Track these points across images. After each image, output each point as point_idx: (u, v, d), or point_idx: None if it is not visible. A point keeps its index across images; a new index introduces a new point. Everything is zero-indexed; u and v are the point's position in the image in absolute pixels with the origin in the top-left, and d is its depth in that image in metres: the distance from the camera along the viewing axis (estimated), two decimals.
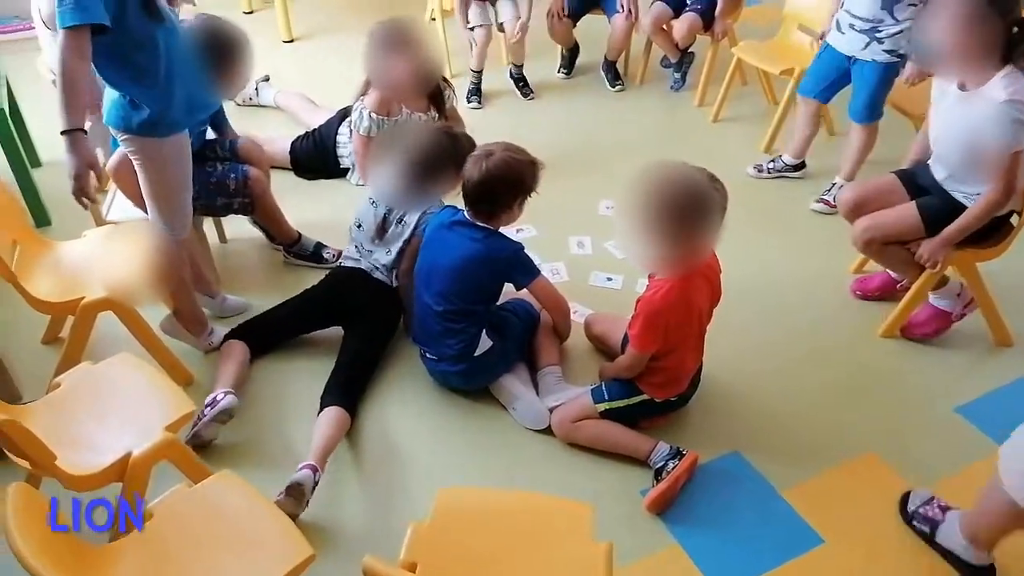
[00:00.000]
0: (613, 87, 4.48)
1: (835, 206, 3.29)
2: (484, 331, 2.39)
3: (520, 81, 4.41)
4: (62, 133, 2.00)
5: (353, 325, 2.57)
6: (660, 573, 1.99)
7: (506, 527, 1.67)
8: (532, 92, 4.39)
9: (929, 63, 2.68)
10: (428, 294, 2.39)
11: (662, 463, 2.17)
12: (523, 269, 2.41)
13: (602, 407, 2.27)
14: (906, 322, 2.71)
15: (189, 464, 1.90)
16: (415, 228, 2.58)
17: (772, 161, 3.64)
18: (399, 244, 2.61)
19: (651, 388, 2.26)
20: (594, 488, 2.19)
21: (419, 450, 2.34)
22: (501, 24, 4.23)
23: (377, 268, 2.63)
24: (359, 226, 2.67)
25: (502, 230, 2.41)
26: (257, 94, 4.10)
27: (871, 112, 3.19)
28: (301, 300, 2.65)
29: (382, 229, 2.63)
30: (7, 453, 1.86)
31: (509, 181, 2.32)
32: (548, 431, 2.35)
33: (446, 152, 2.52)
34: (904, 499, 2.12)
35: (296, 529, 1.62)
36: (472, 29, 4.16)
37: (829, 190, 3.40)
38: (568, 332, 2.61)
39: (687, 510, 2.14)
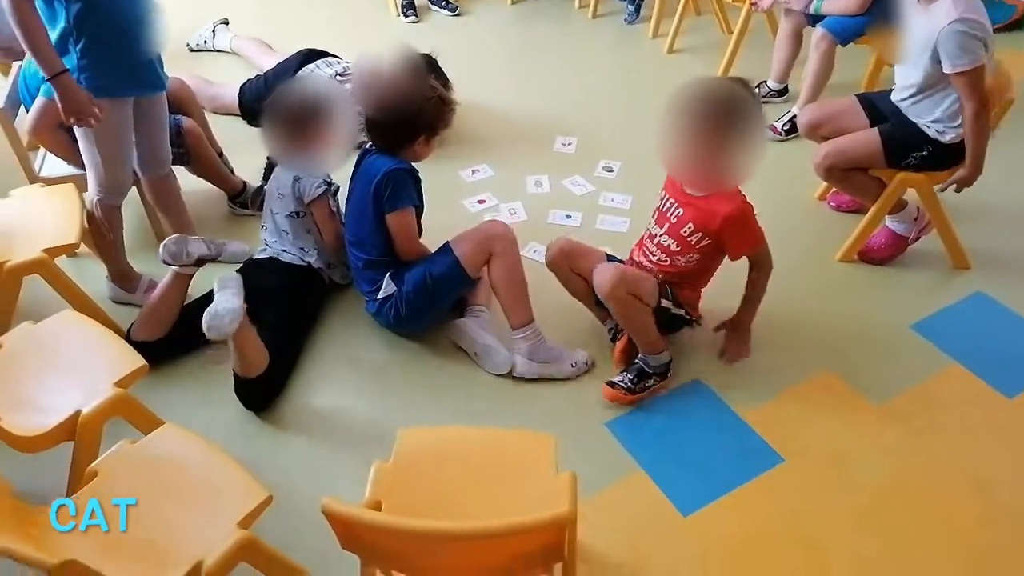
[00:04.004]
0: None
1: (780, 133, 3.31)
2: (389, 274, 2.30)
3: (440, 0, 4.43)
4: (49, 79, 1.99)
5: (266, 312, 2.27)
6: (626, 500, 2.01)
7: (470, 462, 1.66)
8: (456, 6, 4.42)
9: None
10: (347, 227, 2.40)
11: (650, 372, 2.22)
12: (394, 190, 2.20)
13: (664, 303, 2.21)
14: (863, 247, 2.73)
15: (142, 419, 1.85)
16: (297, 196, 2.39)
17: (757, 87, 3.57)
18: (283, 218, 2.43)
19: (694, 304, 2.28)
20: (558, 424, 2.18)
21: (376, 394, 2.32)
22: None
23: (284, 251, 2.46)
24: (263, 227, 2.55)
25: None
26: (213, 36, 3.93)
27: (842, 31, 3.13)
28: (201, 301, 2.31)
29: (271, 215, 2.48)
30: None
31: (407, 118, 2.19)
32: (508, 375, 2.32)
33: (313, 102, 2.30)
34: None
35: (249, 474, 1.60)
36: None
37: (780, 117, 3.37)
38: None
39: (650, 437, 2.16)
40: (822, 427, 2.18)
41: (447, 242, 2.31)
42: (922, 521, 1.96)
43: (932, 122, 2.48)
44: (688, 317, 2.29)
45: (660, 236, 2.24)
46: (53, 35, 2.02)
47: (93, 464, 1.64)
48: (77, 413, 1.74)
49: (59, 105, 2.05)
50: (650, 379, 2.23)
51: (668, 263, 2.24)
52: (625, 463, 2.09)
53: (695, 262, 2.21)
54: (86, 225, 2.34)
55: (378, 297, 2.31)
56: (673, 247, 2.21)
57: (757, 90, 3.57)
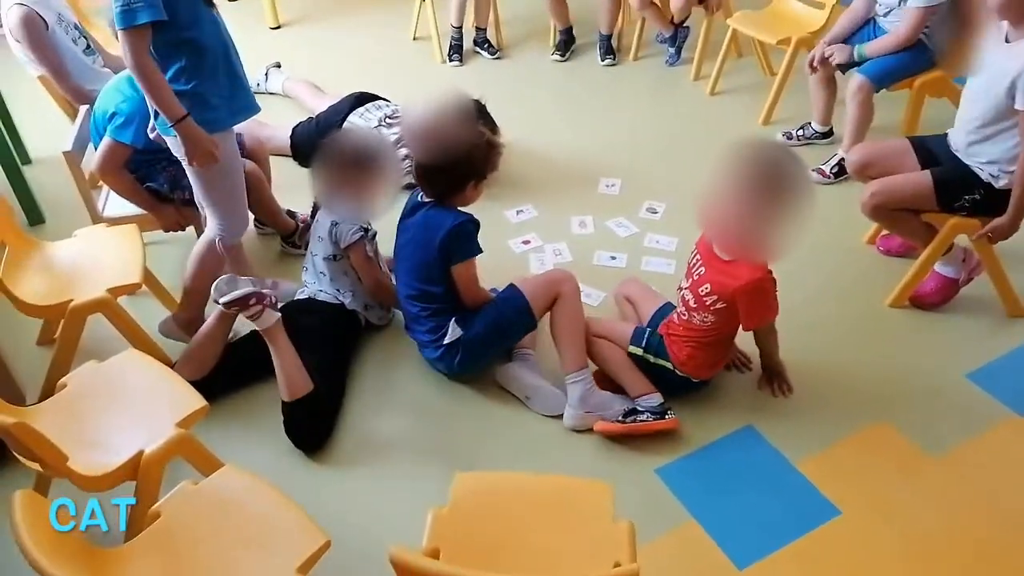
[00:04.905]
0: (603, 61, 4.44)
1: (829, 176, 3.31)
2: (454, 319, 2.31)
3: (484, 43, 4.50)
4: (172, 126, 2.09)
5: (306, 351, 2.28)
6: (678, 550, 1.99)
7: (527, 509, 1.66)
8: (497, 49, 4.50)
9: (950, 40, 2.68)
10: (399, 277, 2.41)
11: (642, 410, 2.23)
12: (462, 243, 2.23)
13: (632, 349, 2.29)
14: (914, 292, 2.70)
15: (203, 459, 1.88)
16: (334, 240, 2.45)
17: (801, 128, 3.59)
18: (321, 260, 2.51)
19: (686, 362, 2.25)
20: (607, 469, 2.18)
21: (424, 436, 2.33)
22: None
23: (322, 291, 2.52)
24: (304, 268, 2.62)
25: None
26: (267, 79, 4.04)
27: (880, 75, 3.13)
28: (247, 338, 2.43)
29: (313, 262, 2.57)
30: (17, 456, 1.84)
31: (456, 164, 2.21)
32: (561, 416, 2.31)
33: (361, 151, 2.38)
34: None
35: (308, 518, 1.61)
36: None
37: (827, 160, 3.37)
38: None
39: (702, 485, 2.13)
40: (878, 479, 2.15)
41: (511, 284, 2.35)
42: (982, 574, 1.91)
43: (987, 163, 2.45)
44: (674, 371, 2.27)
45: (684, 290, 2.26)
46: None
47: (156, 505, 1.66)
48: (140, 453, 1.77)
49: (183, 149, 2.15)
50: (642, 414, 2.24)
51: (687, 318, 2.24)
52: (676, 512, 2.07)
53: (709, 323, 2.19)
54: (196, 263, 2.45)
55: (445, 343, 2.32)
56: (692, 303, 2.22)
57: (802, 131, 3.59)
